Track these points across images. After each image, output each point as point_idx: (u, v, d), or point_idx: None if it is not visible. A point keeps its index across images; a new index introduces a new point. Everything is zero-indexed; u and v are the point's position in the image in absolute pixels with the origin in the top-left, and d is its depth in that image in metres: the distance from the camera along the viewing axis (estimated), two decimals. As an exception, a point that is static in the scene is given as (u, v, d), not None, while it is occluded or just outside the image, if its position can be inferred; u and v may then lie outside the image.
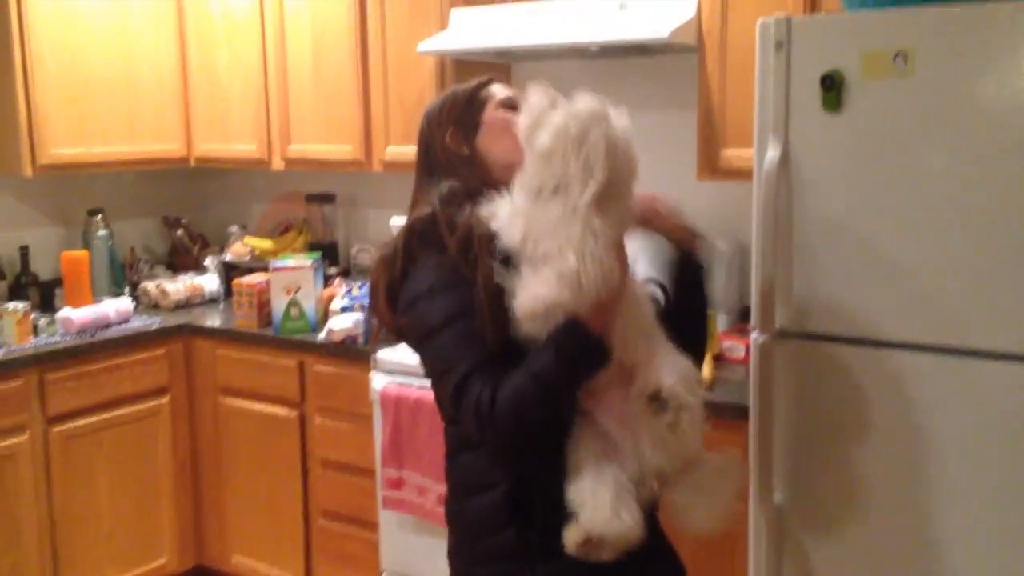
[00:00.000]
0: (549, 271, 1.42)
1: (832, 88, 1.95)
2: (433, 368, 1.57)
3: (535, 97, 1.53)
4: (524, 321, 1.44)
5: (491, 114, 1.67)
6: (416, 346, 1.62)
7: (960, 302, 1.90)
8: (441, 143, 1.70)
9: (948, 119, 1.87)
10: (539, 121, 1.49)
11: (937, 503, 1.96)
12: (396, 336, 1.69)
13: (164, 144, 3.77)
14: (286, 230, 4.04)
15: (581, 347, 1.45)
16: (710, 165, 2.71)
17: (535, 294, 1.42)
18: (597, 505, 1.47)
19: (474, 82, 1.74)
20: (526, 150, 1.51)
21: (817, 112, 1.99)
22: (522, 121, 1.52)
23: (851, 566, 2.07)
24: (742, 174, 2.61)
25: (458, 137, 1.68)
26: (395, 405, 2.86)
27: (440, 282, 1.55)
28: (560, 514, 1.50)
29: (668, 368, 1.49)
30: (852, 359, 2.02)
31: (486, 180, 1.62)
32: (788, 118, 2.02)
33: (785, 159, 2.02)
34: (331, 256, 3.83)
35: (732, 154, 2.66)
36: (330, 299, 3.40)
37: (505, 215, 1.50)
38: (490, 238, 1.51)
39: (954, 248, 1.89)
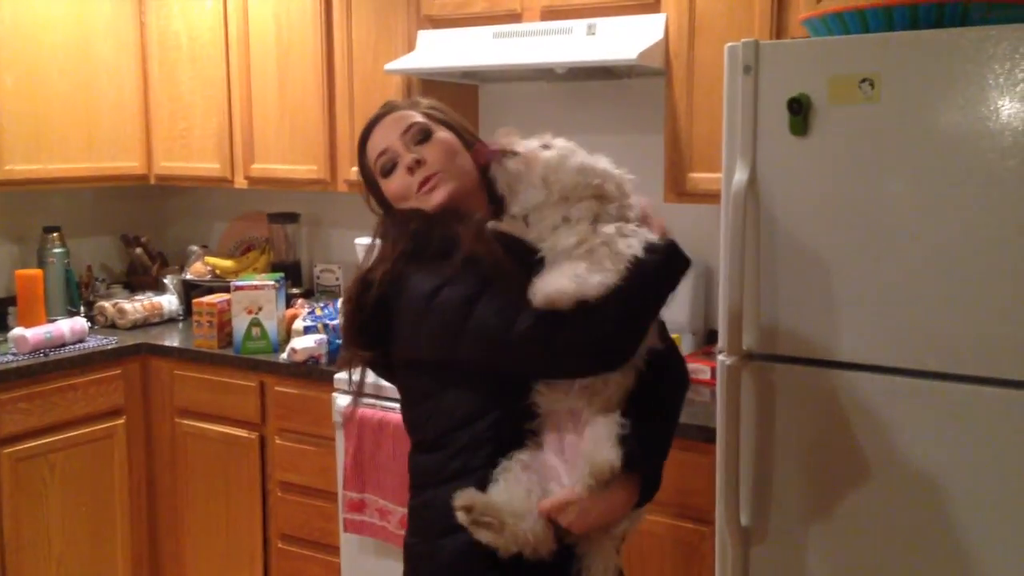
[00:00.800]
0: (569, 267, 1.47)
1: (799, 112, 1.97)
2: (490, 336, 1.50)
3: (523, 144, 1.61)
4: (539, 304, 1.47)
5: (384, 189, 1.71)
6: (449, 342, 1.54)
7: (925, 325, 1.91)
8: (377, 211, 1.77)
9: (913, 144, 1.89)
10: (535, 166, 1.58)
11: (905, 524, 1.96)
12: (380, 362, 1.68)
13: (123, 161, 3.71)
14: (248, 249, 4.00)
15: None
16: (677, 188, 2.72)
17: (557, 286, 1.45)
18: (501, 490, 1.51)
19: (360, 146, 1.77)
20: (534, 189, 1.57)
21: (784, 136, 2.00)
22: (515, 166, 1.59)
23: (817, 589, 2.07)
24: (709, 197, 2.64)
25: (382, 206, 1.75)
26: (358, 426, 2.82)
27: (446, 278, 1.54)
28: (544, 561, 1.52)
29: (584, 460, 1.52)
30: (819, 381, 2.03)
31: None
32: (756, 141, 2.04)
33: (753, 182, 2.03)
34: (294, 276, 3.79)
35: (699, 177, 2.68)
36: (292, 319, 3.36)
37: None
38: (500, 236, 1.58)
39: (920, 271, 1.91)
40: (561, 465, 1.55)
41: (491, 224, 1.59)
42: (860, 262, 1.96)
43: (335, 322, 3.24)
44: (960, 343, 1.89)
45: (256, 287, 3.27)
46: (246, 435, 3.25)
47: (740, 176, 2.03)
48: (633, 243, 1.50)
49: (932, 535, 1.94)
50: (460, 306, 1.52)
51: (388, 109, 1.75)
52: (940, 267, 1.89)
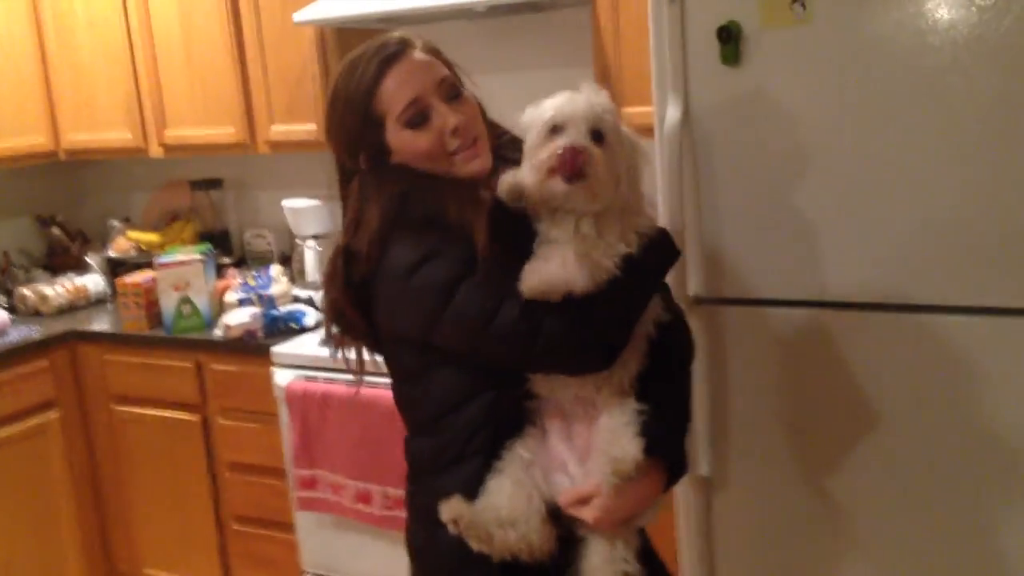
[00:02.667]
0: (558, 255, 1.37)
1: (729, 40, 1.85)
2: (468, 326, 1.38)
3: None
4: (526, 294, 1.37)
5: (398, 141, 1.49)
6: (426, 326, 1.42)
7: (875, 254, 1.83)
8: (357, 167, 1.53)
9: (851, 65, 1.78)
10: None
11: (871, 460, 1.91)
12: (373, 337, 1.55)
13: (28, 137, 3.49)
14: (172, 220, 3.80)
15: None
16: (610, 125, 2.59)
17: (545, 275, 1.35)
18: (493, 495, 1.41)
19: (362, 81, 1.47)
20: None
21: (716, 67, 1.88)
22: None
23: (783, 532, 2.01)
24: (643, 132, 2.49)
25: (373, 160, 1.52)
26: (301, 402, 2.71)
27: (429, 250, 1.41)
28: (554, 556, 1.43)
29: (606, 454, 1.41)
30: (771, 321, 1.94)
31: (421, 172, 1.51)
32: (687, 74, 1.91)
33: (686, 118, 1.92)
34: (223, 245, 3.62)
35: (632, 112, 2.53)
36: (224, 291, 3.21)
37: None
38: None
39: (864, 198, 1.82)
40: (568, 453, 1.45)
41: (499, 187, 1.44)
42: (803, 193, 1.86)
43: (268, 291, 3.11)
44: (910, 272, 1.81)
45: (182, 262, 3.11)
46: (187, 417, 3.11)
47: (673, 112, 1.92)
48: (629, 237, 1.39)
49: (897, 467, 1.88)
50: (440, 288, 1.39)
51: (400, 47, 1.48)
52: (886, 190, 1.80)
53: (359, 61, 1.49)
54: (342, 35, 2.99)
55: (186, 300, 3.11)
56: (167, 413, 3.15)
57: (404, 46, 1.49)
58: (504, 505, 1.39)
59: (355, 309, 1.52)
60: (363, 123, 1.49)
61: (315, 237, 3.25)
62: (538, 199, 1.41)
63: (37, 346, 3.18)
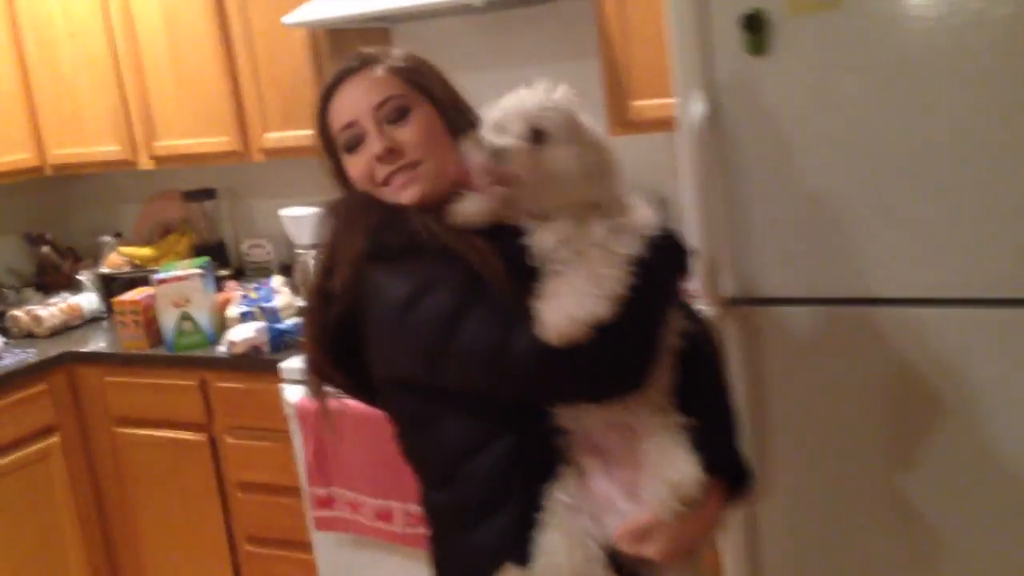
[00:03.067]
0: (568, 284, 1.25)
1: (756, 29, 1.76)
2: (480, 361, 1.26)
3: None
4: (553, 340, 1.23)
5: (349, 166, 1.43)
6: (432, 366, 1.29)
7: (914, 248, 1.76)
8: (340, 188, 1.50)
9: (884, 51, 1.70)
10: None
11: (912, 459, 1.84)
12: (360, 389, 1.48)
13: (12, 154, 3.37)
14: (165, 233, 3.70)
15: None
16: (620, 118, 2.51)
17: (565, 314, 1.22)
18: (549, 555, 1.29)
19: (319, 97, 1.45)
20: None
21: (742, 57, 1.80)
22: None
23: (831, 536, 1.94)
24: (656, 125, 2.44)
25: (340, 181, 1.48)
26: (314, 418, 2.61)
27: (423, 279, 1.30)
28: None
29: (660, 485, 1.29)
30: (808, 320, 1.87)
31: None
32: (711, 66, 1.83)
33: (712, 112, 1.83)
34: (219, 256, 3.52)
35: (643, 105, 2.47)
36: (225, 305, 3.11)
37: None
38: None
39: (903, 190, 1.74)
40: (613, 489, 1.32)
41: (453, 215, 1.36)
42: (838, 187, 1.79)
43: (271, 303, 3.01)
44: (951, 263, 1.74)
45: (180, 277, 3.01)
46: (194, 437, 3.02)
47: (697, 106, 1.83)
48: (628, 240, 1.28)
49: (946, 465, 1.81)
50: (442, 324, 1.26)
51: (358, 63, 1.43)
52: (926, 183, 1.72)
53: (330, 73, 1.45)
54: (335, 37, 2.89)
55: (187, 316, 3.01)
56: (172, 434, 3.05)
57: (363, 63, 1.43)
58: (564, 563, 1.27)
59: (333, 364, 1.43)
60: (322, 141, 1.46)
61: (316, 246, 3.14)
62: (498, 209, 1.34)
63: (34, 370, 3.08)
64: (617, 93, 2.49)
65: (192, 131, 3.16)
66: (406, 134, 1.39)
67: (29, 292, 3.63)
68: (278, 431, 2.81)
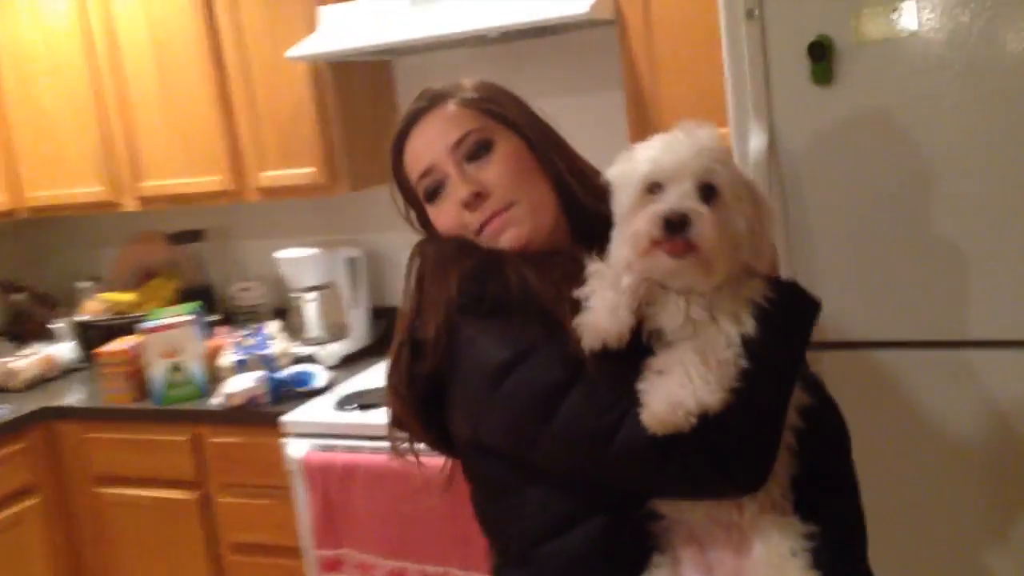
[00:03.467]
0: (678, 366, 1.08)
1: (823, 57, 1.66)
2: (580, 446, 1.11)
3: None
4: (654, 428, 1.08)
5: (436, 218, 1.28)
6: (524, 441, 1.15)
7: (993, 290, 1.65)
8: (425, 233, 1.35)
9: (962, 77, 1.60)
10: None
11: (990, 512, 1.72)
12: (444, 444, 1.31)
13: (-14, 197, 3.18)
14: (147, 277, 3.50)
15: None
16: (646, 155, 2.39)
17: (670, 400, 1.06)
18: None
19: (393, 142, 1.30)
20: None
21: (804, 87, 1.69)
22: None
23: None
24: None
25: (423, 225, 1.34)
26: (321, 475, 2.44)
27: (524, 344, 1.15)
28: None
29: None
30: (875, 364, 1.75)
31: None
32: (771, 96, 1.72)
33: (772, 146, 1.72)
34: (206, 301, 3.33)
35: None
36: (216, 352, 2.94)
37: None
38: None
39: (979, 228, 1.64)
40: None
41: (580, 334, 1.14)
42: (909, 226, 1.68)
43: (267, 351, 2.84)
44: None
45: (170, 325, 2.83)
46: (184, 496, 2.81)
47: (757, 140, 1.72)
48: (745, 317, 1.11)
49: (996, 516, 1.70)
50: (541, 397, 1.12)
51: (428, 103, 1.28)
52: (1006, 220, 1.62)
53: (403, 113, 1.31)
54: (338, 69, 2.76)
55: (176, 367, 2.82)
56: (159, 493, 2.84)
57: (432, 101, 1.28)
58: None
59: (418, 418, 1.27)
60: (403, 195, 1.32)
61: (313, 289, 2.99)
62: (640, 276, 1.13)
63: (10, 427, 2.85)
64: (643, 126, 2.38)
65: (182, 170, 2.99)
66: (492, 173, 1.24)
67: (2, 343, 3.41)
68: (276, 488, 2.62)
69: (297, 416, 2.56)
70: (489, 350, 1.16)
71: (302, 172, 2.79)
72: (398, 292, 1.30)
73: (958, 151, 1.63)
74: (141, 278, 3.50)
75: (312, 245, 3.00)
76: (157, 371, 2.81)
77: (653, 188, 1.10)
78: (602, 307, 1.13)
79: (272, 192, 2.89)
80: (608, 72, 2.60)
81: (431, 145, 1.25)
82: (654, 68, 2.34)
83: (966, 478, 1.73)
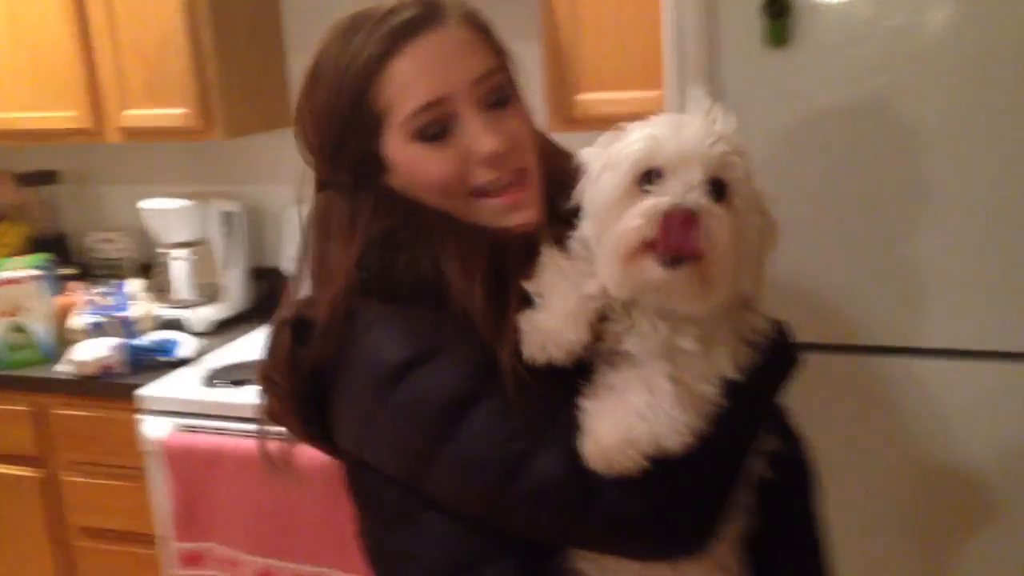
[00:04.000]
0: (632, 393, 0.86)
1: (780, 14, 1.45)
2: (482, 478, 0.91)
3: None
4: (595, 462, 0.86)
5: (402, 156, 1.00)
6: (415, 464, 0.94)
7: (965, 296, 1.49)
8: (336, 183, 1.04)
9: (948, 40, 1.42)
10: None
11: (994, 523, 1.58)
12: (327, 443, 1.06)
13: None
14: (-4, 220, 3.10)
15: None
16: (563, 113, 2.16)
17: (620, 433, 0.85)
18: None
19: (360, 56, 0.98)
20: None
21: (755, 49, 1.49)
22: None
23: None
24: (606, 122, 2.10)
25: (356, 179, 1.03)
26: (183, 459, 2.15)
27: (427, 343, 0.93)
28: None
29: None
30: (830, 370, 1.58)
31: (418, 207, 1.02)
32: (715, 59, 1.51)
33: (715, 114, 1.51)
34: (60, 252, 2.96)
35: (591, 100, 2.13)
36: (67, 311, 2.59)
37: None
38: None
39: (949, 217, 1.47)
40: None
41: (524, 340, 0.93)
42: (871, 212, 1.50)
43: (127, 313, 2.51)
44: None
45: (11, 280, 2.47)
46: (24, 473, 2.48)
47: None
48: (722, 355, 0.90)
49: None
50: (439, 412, 0.90)
51: (433, 14, 0.99)
52: (998, 211, 1.45)
53: (361, 24, 0.99)
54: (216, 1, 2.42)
55: (18, 327, 2.47)
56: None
57: (434, 14, 0.99)
58: None
59: (295, 415, 1.04)
60: (351, 119, 0.99)
61: (183, 245, 2.67)
62: (615, 291, 0.91)
63: None
64: (560, 85, 2.14)
65: (32, 103, 2.61)
66: (513, 127, 1.00)
67: None
68: (131, 468, 2.32)
69: (157, 390, 2.26)
70: (385, 346, 0.95)
71: (171, 113, 2.46)
72: (280, 253, 1.04)
73: (933, 128, 1.45)
74: (-13, 221, 3.10)
75: (184, 195, 2.67)
76: (-6, 331, 2.46)
77: (650, 176, 0.87)
78: (561, 310, 0.90)
79: (136, 133, 2.54)
80: (523, 21, 2.33)
81: (446, 71, 0.97)
82: (576, 17, 2.10)
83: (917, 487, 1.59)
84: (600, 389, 0.88)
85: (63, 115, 2.57)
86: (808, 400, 1.39)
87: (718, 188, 0.87)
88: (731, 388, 0.90)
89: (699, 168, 0.86)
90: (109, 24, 2.46)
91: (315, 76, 1.01)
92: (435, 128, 0.98)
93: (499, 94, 1.01)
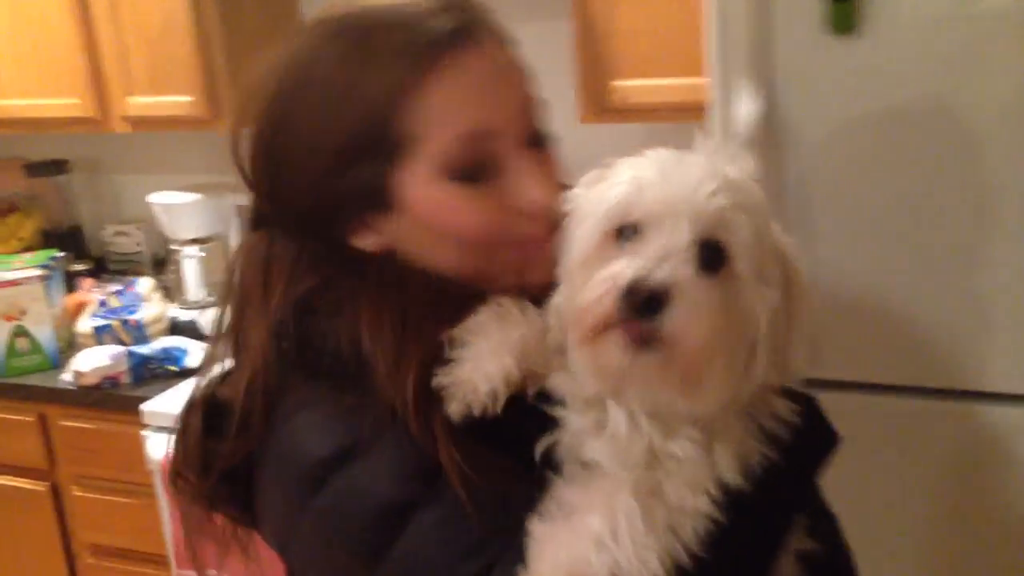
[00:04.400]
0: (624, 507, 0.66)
1: (846, -3, 1.21)
2: None
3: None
4: None
5: (426, 198, 0.80)
6: (345, 571, 0.77)
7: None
8: (288, 220, 0.85)
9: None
10: None
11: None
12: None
13: None
14: (9, 211, 2.97)
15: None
16: (597, 102, 1.93)
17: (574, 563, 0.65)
18: None
19: (381, 69, 0.77)
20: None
21: (818, 35, 1.25)
22: None
23: None
24: (644, 114, 1.88)
25: (354, 227, 0.83)
26: (185, 482, 1.99)
27: (359, 433, 0.75)
28: None
29: None
30: (890, 415, 1.35)
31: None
32: (770, 45, 1.27)
33: (769, 113, 1.27)
34: (75, 245, 2.83)
35: (628, 87, 1.90)
36: (78, 311, 2.45)
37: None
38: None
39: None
40: None
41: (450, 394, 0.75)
42: (952, 231, 1.26)
43: (136, 316, 2.36)
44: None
45: (13, 282, 2.32)
46: (31, 486, 2.36)
47: (749, 106, 1.27)
48: (723, 454, 0.69)
49: None
50: (373, 521, 0.72)
51: (469, 25, 0.79)
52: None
53: (373, 30, 0.78)
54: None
55: (21, 331, 2.33)
56: (4, 480, 2.39)
57: (471, 26, 0.79)
58: None
59: (216, 507, 0.86)
60: (354, 146, 0.78)
61: (195, 242, 2.50)
62: (584, 380, 0.72)
63: None
64: (595, 70, 1.91)
65: (32, 90, 2.45)
66: (555, 172, 0.84)
67: None
68: (139, 484, 2.18)
69: (162, 405, 2.10)
70: (306, 437, 0.78)
71: (177, 101, 2.28)
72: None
73: (1017, 127, 1.20)
74: (3, 212, 2.96)
75: (200, 186, 2.50)
76: (-3, 336, 2.32)
77: (626, 231, 0.68)
78: (486, 350, 0.73)
79: (142, 123, 2.37)
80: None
81: (492, 98, 0.79)
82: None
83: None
84: (554, 505, 0.68)
85: (66, 102, 2.41)
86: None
87: (713, 253, 0.66)
88: (745, 496, 0.69)
89: (686, 225, 0.66)
90: (110, 7, 2.29)
91: (296, 88, 0.80)
92: (475, 166, 0.79)
93: (540, 129, 0.83)
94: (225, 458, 0.81)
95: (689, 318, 0.63)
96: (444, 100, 0.77)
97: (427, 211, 0.80)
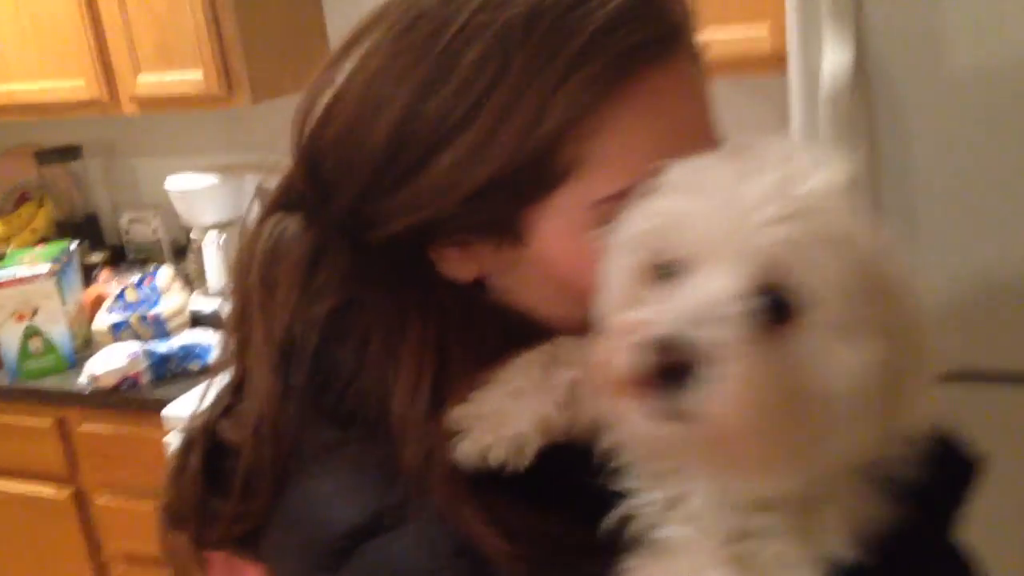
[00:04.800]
0: None
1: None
2: None
3: None
4: None
5: (566, 235, 0.61)
6: None
7: None
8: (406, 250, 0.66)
9: None
10: None
11: None
12: None
13: None
14: (21, 201, 2.84)
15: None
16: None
17: None
18: None
19: (556, 87, 0.58)
20: None
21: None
22: None
23: None
24: (728, 67, 1.67)
25: (446, 246, 0.65)
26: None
27: (382, 497, 0.62)
28: None
29: None
30: (987, 402, 1.16)
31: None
32: (861, -12, 1.08)
33: (858, 66, 1.09)
34: (92, 234, 2.69)
35: (713, 37, 1.68)
36: (97, 305, 2.32)
37: None
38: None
39: None
40: None
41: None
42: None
43: (155, 310, 2.22)
44: None
45: (23, 279, 2.19)
46: (55, 493, 2.24)
47: (835, 59, 1.08)
48: (830, 520, 0.53)
49: None
50: None
51: (670, 23, 0.61)
52: None
53: (538, 17, 0.58)
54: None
55: (34, 331, 2.20)
56: (25, 487, 2.27)
57: (673, 31, 0.61)
58: None
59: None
60: (503, 176, 0.59)
61: (216, 227, 2.35)
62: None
63: None
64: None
65: (36, 72, 2.30)
66: None
67: None
68: (168, 489, 2.04)
69: (185, 407, 1.96)
70: (325, 502, 0.64)
71: (187, 78, 2.12)
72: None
73: None
74: (14, 201, 2.83)
75: (218, 167, 2.34)
76: (9, 338, 2.18)
77: (665, 268, 0.52)
78: (520, 390, 0.59)
79: (151, 103, 2.22)
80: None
81: (688, 143, 0.59)
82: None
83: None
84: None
85: (72, 84, 2.25)
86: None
87: (777, 300, 0.49)
88: (852, 572, 0.53)
89: (739, 267, 0.49)
90: (113, -21, 2.13)
91: (430, 81, 0.60)
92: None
93: None
94: (226, 523, 0.69)
95: (729, 395, 0.47)
96: (626, 134, 0.59)
97: (562, 256, 0.62)
